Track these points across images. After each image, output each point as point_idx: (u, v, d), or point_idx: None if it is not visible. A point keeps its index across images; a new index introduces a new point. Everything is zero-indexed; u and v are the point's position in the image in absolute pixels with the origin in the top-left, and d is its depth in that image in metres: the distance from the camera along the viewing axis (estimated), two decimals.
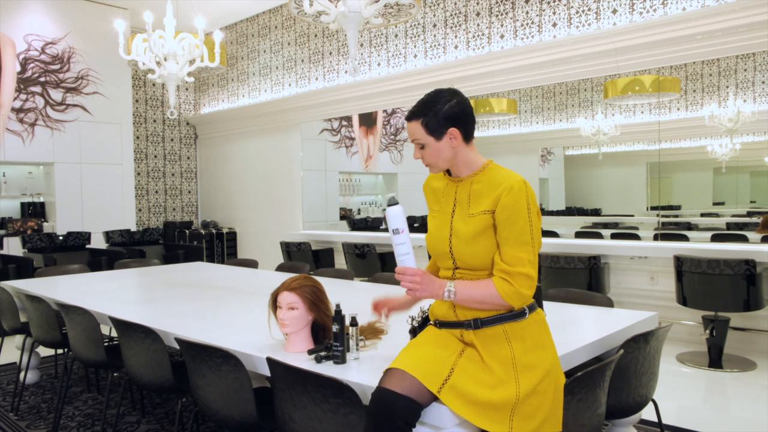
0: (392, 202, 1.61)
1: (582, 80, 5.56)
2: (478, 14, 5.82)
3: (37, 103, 7.17)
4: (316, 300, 2.01)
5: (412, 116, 1.67)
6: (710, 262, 3.94)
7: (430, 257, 1.89)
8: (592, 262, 4.47)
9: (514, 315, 1.64)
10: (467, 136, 1.67)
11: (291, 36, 7.82)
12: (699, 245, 4.55)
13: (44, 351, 4.46)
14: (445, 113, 1.63)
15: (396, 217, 1.60)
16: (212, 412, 2.10)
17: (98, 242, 7.32)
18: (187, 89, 9.42)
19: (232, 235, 8.74)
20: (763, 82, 4.75)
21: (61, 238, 6.79)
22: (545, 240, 5.36)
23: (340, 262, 6.59)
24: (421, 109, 1.66)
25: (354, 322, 1.94)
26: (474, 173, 1.69)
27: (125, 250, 6.57)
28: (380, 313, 1.92)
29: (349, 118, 7.92)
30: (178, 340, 2.16)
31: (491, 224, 1.62)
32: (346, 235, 6.97)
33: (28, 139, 7.11)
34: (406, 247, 1.60)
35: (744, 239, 4.82)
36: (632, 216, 5.91)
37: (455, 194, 1.71)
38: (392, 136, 8.24)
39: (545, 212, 6.54)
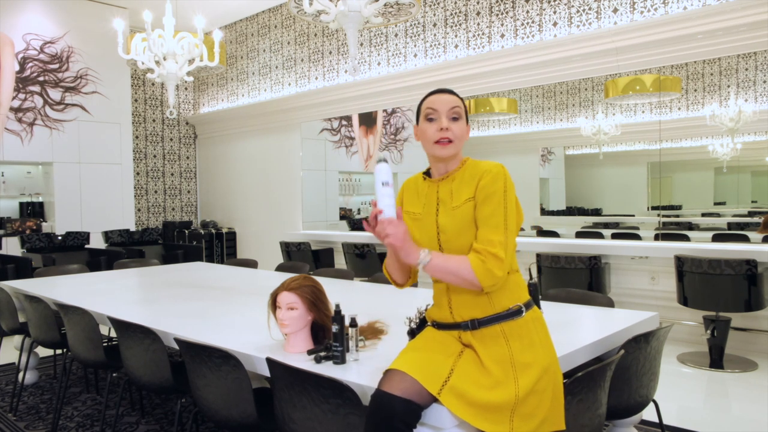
0: (382, 159, 1.63)
1: (582, 80, 5.55)
2: (478, 13, 5.81)
3: (35, 102, 7.16)
4: (315, 300, 2.00)
5: (452, 92, 1.72)
6: (711, 262, 3.93)
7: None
8: (592, 262, 4.46)
9: (511, 314, 1.63)
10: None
11: (291, 35, 7.81)
12: (700, 245, 4.54)
13: (43, 351, 4.44)
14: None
15: (386, 172, 1.61)
16: (212, 413, 2.09)
17: (97, 242, 7.31)
18: (186, 89, 9.41)
19: (232, 235, 8.73)
20: (765, 82, 4.74)
21: (60, 238, 6.78)
22: (545, 240, 5.37)
23: (340, 262, 6.58)
24: (458, 95, 1.73)
25: (353, 323, 1.93)
26: (454, 170, 1.71)
27: (124, 250, 6.56)
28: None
29: (348, 118, 7.91)
30: (178, 341, 2.15)
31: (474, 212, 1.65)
32: (346, 235, 6.96)
33: (27, 138, 7.10)
34: (392, 199, 1.61)
35: (745, 239, 4.81)
36: (633, 216, 5.90)
37: (437, 194, 1.71)
38: (392, 136, 8.22)
39: (545, 212, 6.53)
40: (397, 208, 1.60)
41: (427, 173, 1.79)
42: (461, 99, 1.72)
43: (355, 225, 7.83)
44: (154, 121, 9.05)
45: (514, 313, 1.64)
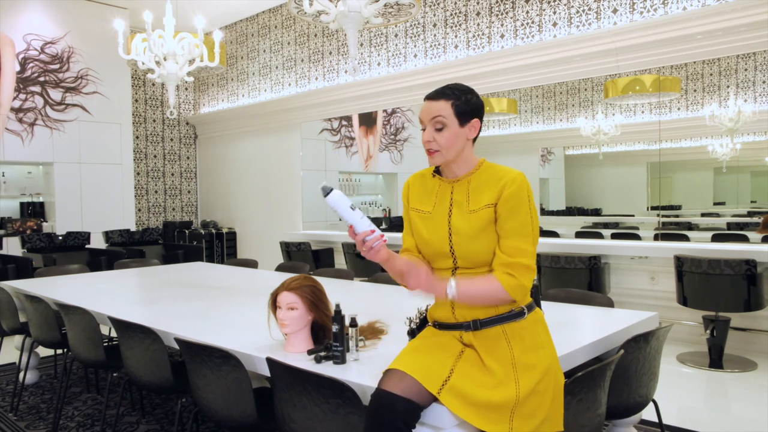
0: (329, 189, 1.55)
1: (582, 80, 5.55)
2: (478, 14, 5.81)
3: (36, 102, 7.16)
4: (315, 300, 2.00)
5: (440, 96, 1.64)
6: (711, 262, 3.93)
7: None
8: (592, 262, 4.46)
9: (513, 315, 1.64)
10: (478, 133, 1.70)
11: (291, 35, 7.81)
12: (699, 245, 4.54)
13: (44, 351, 4.44)
14: (475, 104, 1.66)
15: (344, 199, 1.56)
16: (212, 413, 2.09)
17: (98, 242, 7.31)
18: (186, 89, 9.41)
19: (232, 235, 8.73)
20: (764, 82, 4.74)
21: (60, 238, 6.78)
22: (545, 240, 5.37)
23: (340, 262, 6.58)
24: (454, 92, 1.65)
25: (354, 323, 1.93)
26: (470, 172, 1.69)
27: (125, 250, 6.57)
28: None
29: (349, 118, 7.92)
30: (178, 340, 2.15)
31: (493, 218, 1.62)
32: (346, 235, 6.95)
33: (28, 138, 7.11)
34: (367, 219, 1.57)
35: (744, 239, 4.81)
36: (632, 216, 5.90)
37: (451, 194, 1.69)
38: (392, 136, 8.23)
39: (545, 212, 6.53)
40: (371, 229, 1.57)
41: (437, 170, 1.76)
42: (454, 98, 1.63)
43: None
44: (154, 121, 9.05)
45: (517, 315, 1.64)
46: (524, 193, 1.60)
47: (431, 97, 1.66)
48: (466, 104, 1.65)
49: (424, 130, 1.67)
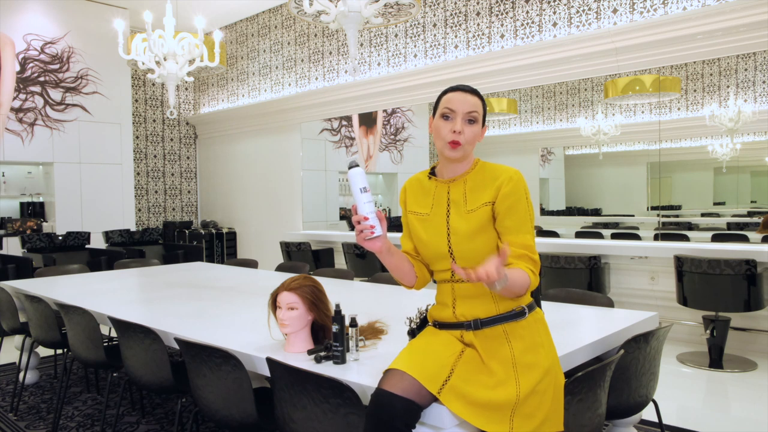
0: (355, 164, 1.61)
1: (582, 80, 5.55)
2: (478, 14, 5.82)
3: (36, 102, 7.16)
4: (315, 300, 2.00)
5: (474, 92, 1.67)
6: (711, 262, 3.93)
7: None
8: (592, 262, 4.46)
9: (514, 315, 1.64)
10: None
11: (291, 36, 7.81)
12: (699, 245, 4.54)
13: (44, 351, 4.45)
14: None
15: (363, 176, 1.60)
16: (212, 413, 2.09)
17: (98, 242, 7.31)
18: (186, 89, 9.41)
19: (232, 235, 8.73)
20: (764, 82, 4.74)
21: (60, 238, 6.78)
22: (546, 240, 5.37)
23: (340, 262, 6.59)
24: (480, 94, 1.69)
25: (354, 323, 1.93)
26: (466, 172, 1.69)
27: (125, 250, 6.57)
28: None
29: (349, 118, 7.92)
30: (178, 340, 2.15)
31: (491, 216, 1.62)
32: (346, 235, 6.96)
33: (28, 138, 7.11)
34: (372, 206, 1.60)
35: (744, 239, 4.81)
36: (632, 216, 5.90)
37: (448, 195, 1.69)
38: (392, 136, 8.22)
39: (545, 212, 6.53)
40: (377, 212, 1.60)
41: (432, 172, 1.77)
42: (482, 99, 1.68)
43: None
44: (154, 121, 9.05)
45: (517, 315, 1.64)
46: (521, 190, 1.61)
47: (467, 90, 1.66)
48: (485, 110, 1.69)
49: (446, 119, 1.64)
